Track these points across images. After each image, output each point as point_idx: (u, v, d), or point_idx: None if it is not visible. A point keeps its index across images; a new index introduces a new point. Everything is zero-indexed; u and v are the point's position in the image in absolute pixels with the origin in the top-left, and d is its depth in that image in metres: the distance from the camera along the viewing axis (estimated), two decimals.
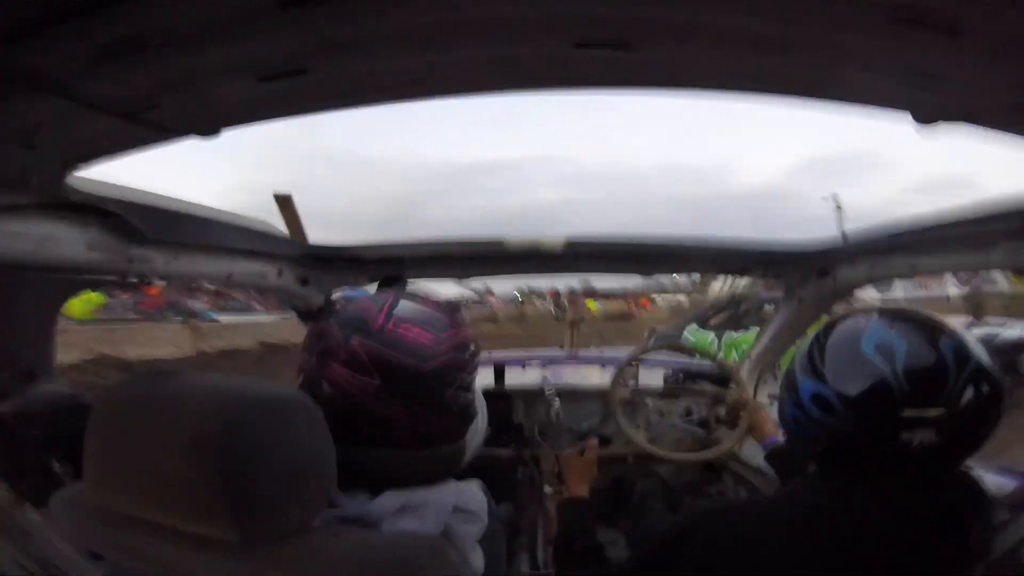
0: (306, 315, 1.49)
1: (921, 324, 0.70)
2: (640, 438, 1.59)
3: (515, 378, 2.03)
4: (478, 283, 7.60)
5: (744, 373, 1.78)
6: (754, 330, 4.94)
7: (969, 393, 0.64)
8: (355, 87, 0.71)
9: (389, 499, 0.59)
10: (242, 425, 0.47)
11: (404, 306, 0.64)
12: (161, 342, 10.12)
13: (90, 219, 0.81)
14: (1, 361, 1.01)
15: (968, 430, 0.66)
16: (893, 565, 0.65)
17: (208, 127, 0.74)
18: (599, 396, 1.82)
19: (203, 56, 0.58)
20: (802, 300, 1.54)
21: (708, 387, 1.82)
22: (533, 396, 1.84)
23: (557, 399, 1.73)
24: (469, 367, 0.66)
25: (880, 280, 1.37)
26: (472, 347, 0.67)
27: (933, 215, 0.99)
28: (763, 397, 1.78)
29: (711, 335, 7.93)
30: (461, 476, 0.67)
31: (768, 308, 7.20)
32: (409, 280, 1.47)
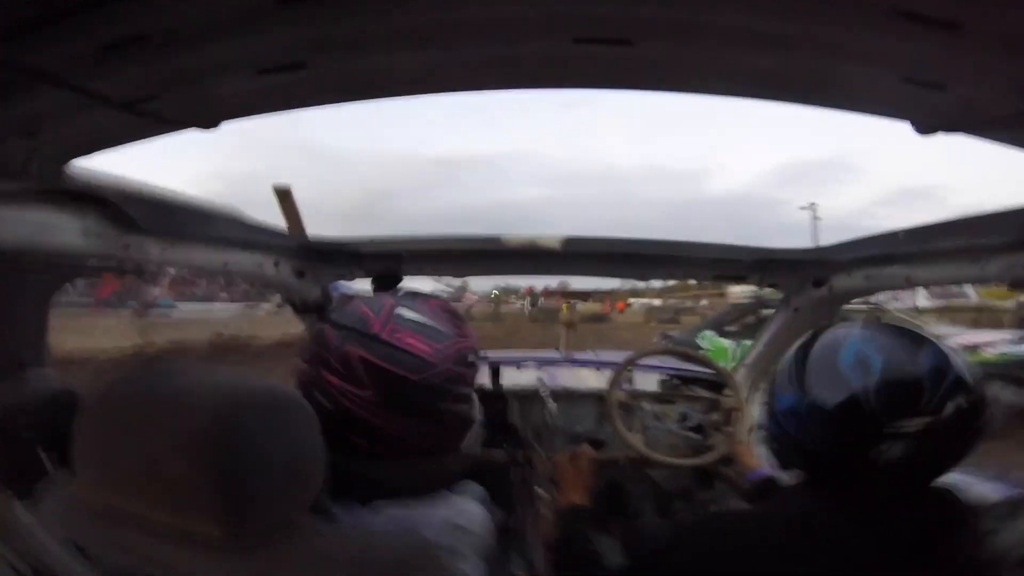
0: (302, 308, 1.48)
1: (902, 337, 0.70)
2: (636, 442, 1.58)
3: (511, 379, 2.02)
4: (455, 279, 7.38)
5: (739, 380, 1.78)
6: None
7: (948, 408, 0.64)
8: (355, 83, 0.71)
9: (382, 512, 0.58)
10: (233, 420, 0.46)
11: (404, 310, 0.61)
12: (108, 332, 9.29)
13: (87, 207, 0.81)
14: None
15: (945, 444, 0.66)
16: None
17: (208, 120, 0.75)
18: (594, 399, 1.82)
19: (203, 50, 0.58)
20: (798, 309, 1.54)
21: (703, 392, 1.82)
22: (528, 397, 1.84)
23: (552, 401, 1.73)
24: (469, 378, 0.63)
25: (876, 291, 1.37)
26: (473, 357, 0.64)
27: (929, 225, 0.99)
28: (756, 404, 1.78)
29: (728, 342, 7.12)
30: (455, 478, 0.66)
31: None
32: (405, 276, 1.46)
